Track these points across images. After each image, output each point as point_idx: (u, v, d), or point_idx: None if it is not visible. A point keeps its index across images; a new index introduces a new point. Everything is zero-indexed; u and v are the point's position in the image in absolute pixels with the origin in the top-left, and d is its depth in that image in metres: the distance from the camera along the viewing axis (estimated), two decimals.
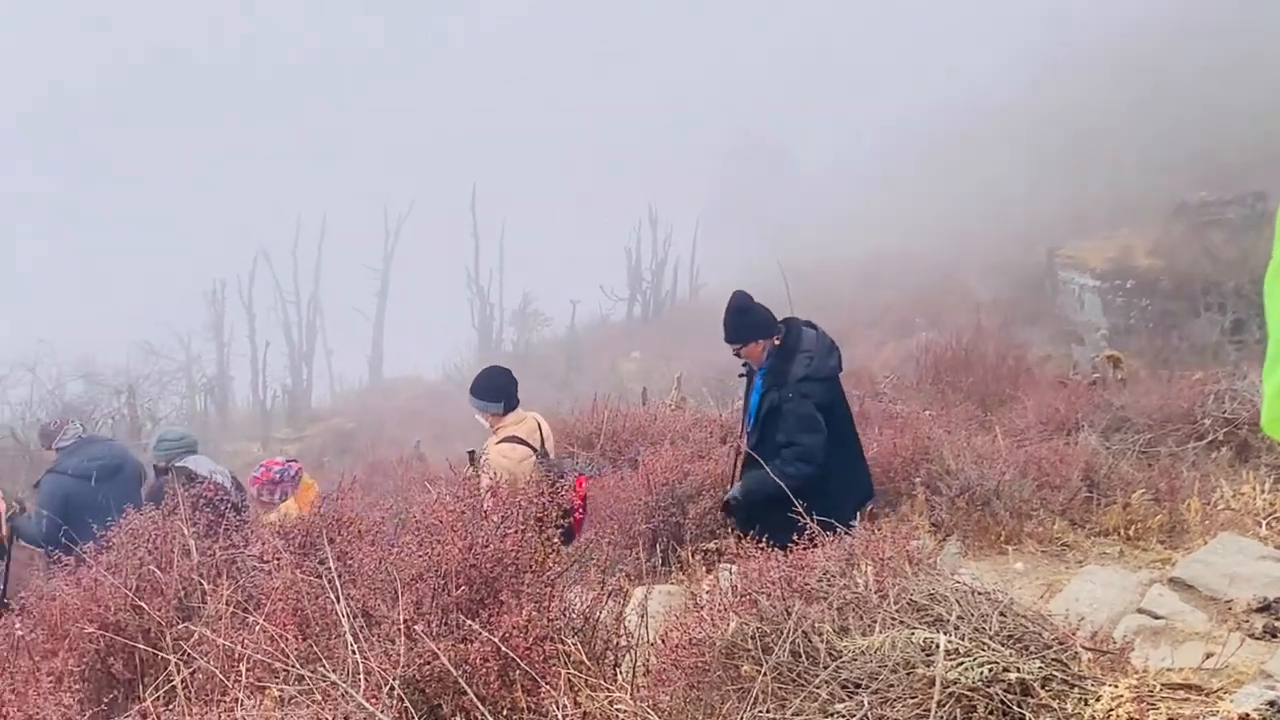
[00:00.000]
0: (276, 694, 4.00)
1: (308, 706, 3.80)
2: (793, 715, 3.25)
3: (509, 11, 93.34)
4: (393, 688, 3.74)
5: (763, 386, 6.39)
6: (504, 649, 3.77)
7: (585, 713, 3.59)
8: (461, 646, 3.94)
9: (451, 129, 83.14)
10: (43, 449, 8.25)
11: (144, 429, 21.71)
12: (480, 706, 3.67)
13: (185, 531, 5.01)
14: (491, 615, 4.04)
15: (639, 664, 4.02)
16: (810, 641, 3.53)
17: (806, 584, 3.71)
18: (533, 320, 49.85)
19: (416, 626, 3.94)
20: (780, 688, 3.37)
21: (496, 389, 6.85)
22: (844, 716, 3.17)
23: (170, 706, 4.22)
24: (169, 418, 24.77)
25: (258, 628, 4.24)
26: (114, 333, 36.19)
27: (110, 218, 77.16)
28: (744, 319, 6.40)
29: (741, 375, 6.70)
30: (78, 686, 4.52)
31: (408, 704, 3.73)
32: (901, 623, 3.51)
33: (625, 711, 3.46)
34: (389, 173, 69.35)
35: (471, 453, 6.87)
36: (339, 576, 4.30)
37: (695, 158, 68.58)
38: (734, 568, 4.14)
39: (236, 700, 3.95)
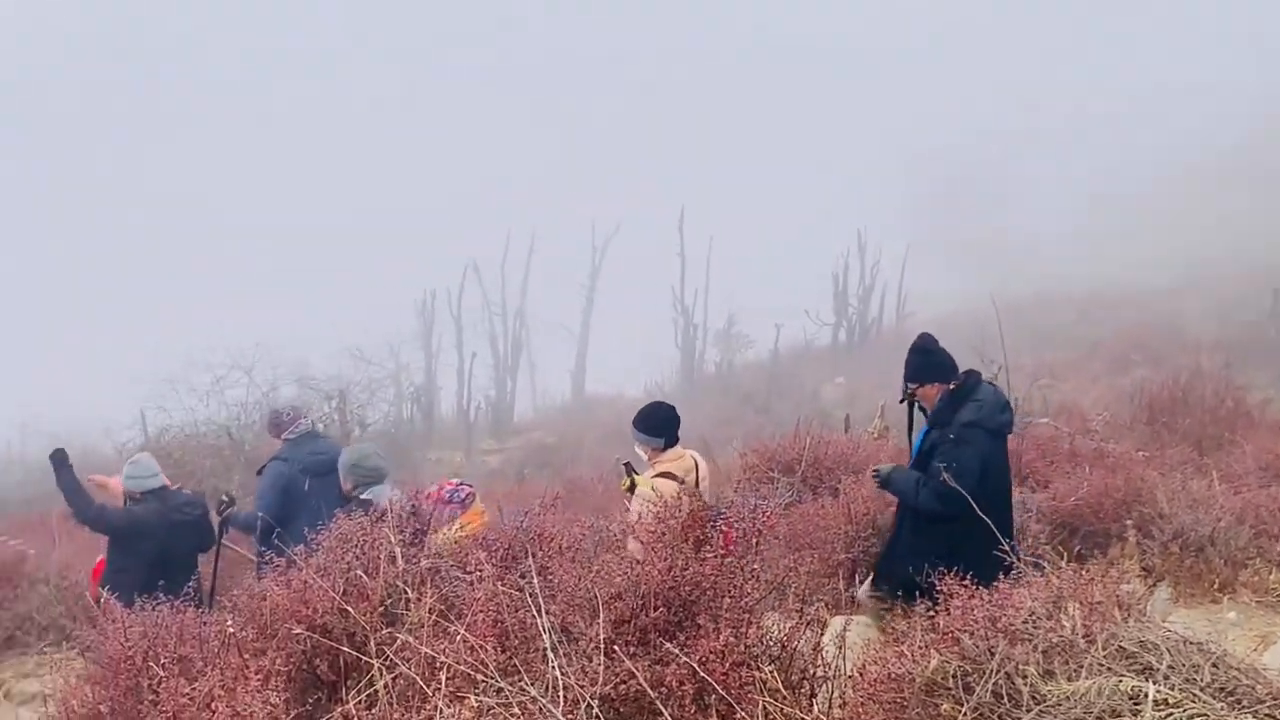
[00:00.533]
0: (475, 704, 4.56)
1: (505, 719, 4.44)
2: None
3: (728, 30, 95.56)
4: (590, 706, 4.25)
5: (928, 427, 7.05)
6: (701, 673, 4.31)
7: None
8: (658, 668, 4.44)
9: (662, 148, 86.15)
10: (271, 436, 9.33)
11: (352, 434, 23.37)
12: None
13: (392, 538, 5.77)
14: (689, 638, 4.54)
15: (835, 696, 4.39)
16: (1013, 683, 3.86)
17: (1011, 624, 4.06)
18: (736, 342, 50.88)
19: (615, 645, 4.52)
20: None
21: (660, 424, 7.65)
22: None
23: (372, 710, 4.88)
24: (377, 424, 26.45)
25: (459, 637, 4.74)
26: (327, 339, 39.14)
27: (328, 228, 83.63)
28: (926, 360, 7.08)
29: (901, 402, 7.24)
30: (284, 685, 5.14)
31: None
32: (1109, 669, 3.80)
33: None
34: (599, 191, 72.39)
35: (627, 464, 7.51)
36: (540, 591, 4.95)
37: (908, 185, 69.43)
38: (932, 603, 4.55)
39: (436, 708, 4.54)
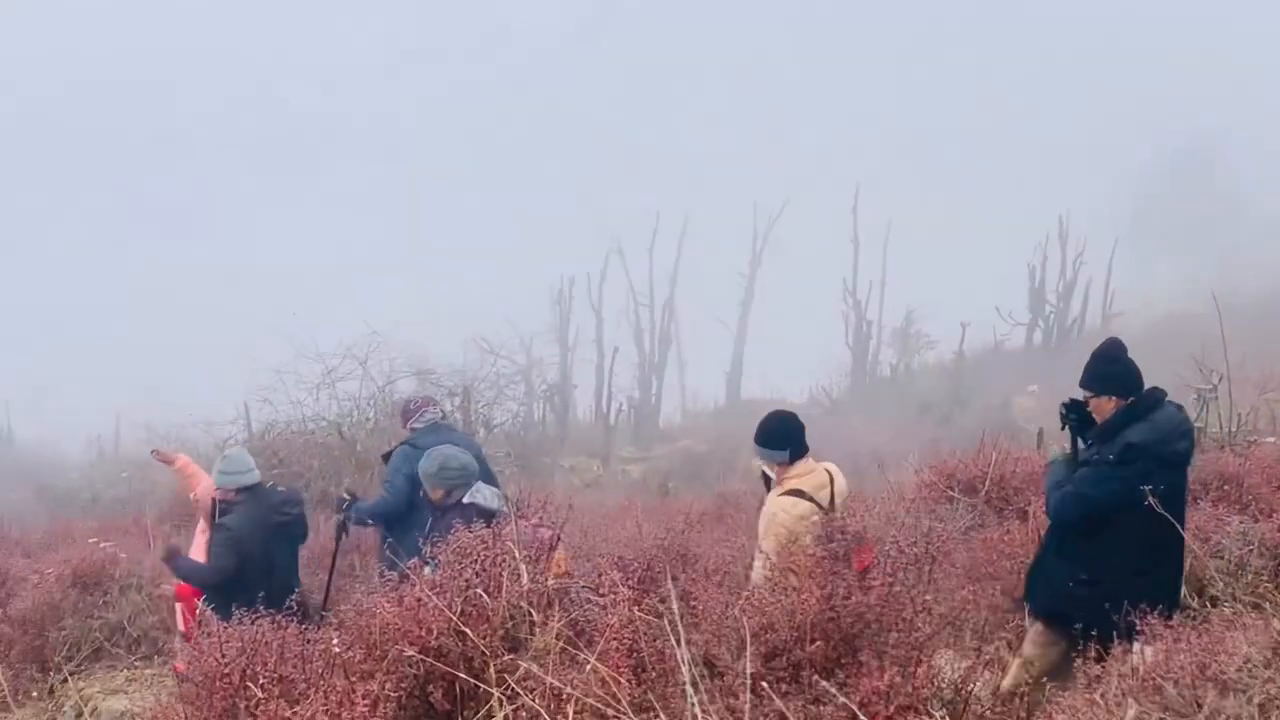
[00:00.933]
0: None
1: None
2: None
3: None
4: None
5: (1090, 440, 6.80)
6: (861, 716, 4.23)
7: None
8: (813, 708, 4.34)
9: (834, 121, 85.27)
10: (401, 426, 9.68)
11: (477, 435, 23.62)
12: None
13: (517, 554, 5.80)
14: (849, 676, 4.44)
15: None
16: None
17: (1223, 672, 3.91)
18: (915, 342, 49.75)
19: (764, 682, 4.46)
20: None
21: (782, 435, 7.51)
22: None
23: None
24: (504, 424, 26.71)
25: (589, 667, 4.64)
26: (450, 328, 39.52)
27: (453, 205, 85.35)
28: (1109, 368, 6.86)
29: (1064, 418, 6.97)
30: (393, 713, 5.06)
31: None
32: None
33: None
34: (761, 168, 71.87)
35: (766, 476, 7.42)
36: (681, 618, 4.90)
37: (1115, 166, 66.98)
38: (1146, 646, 4.39)
39: None
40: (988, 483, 10.88)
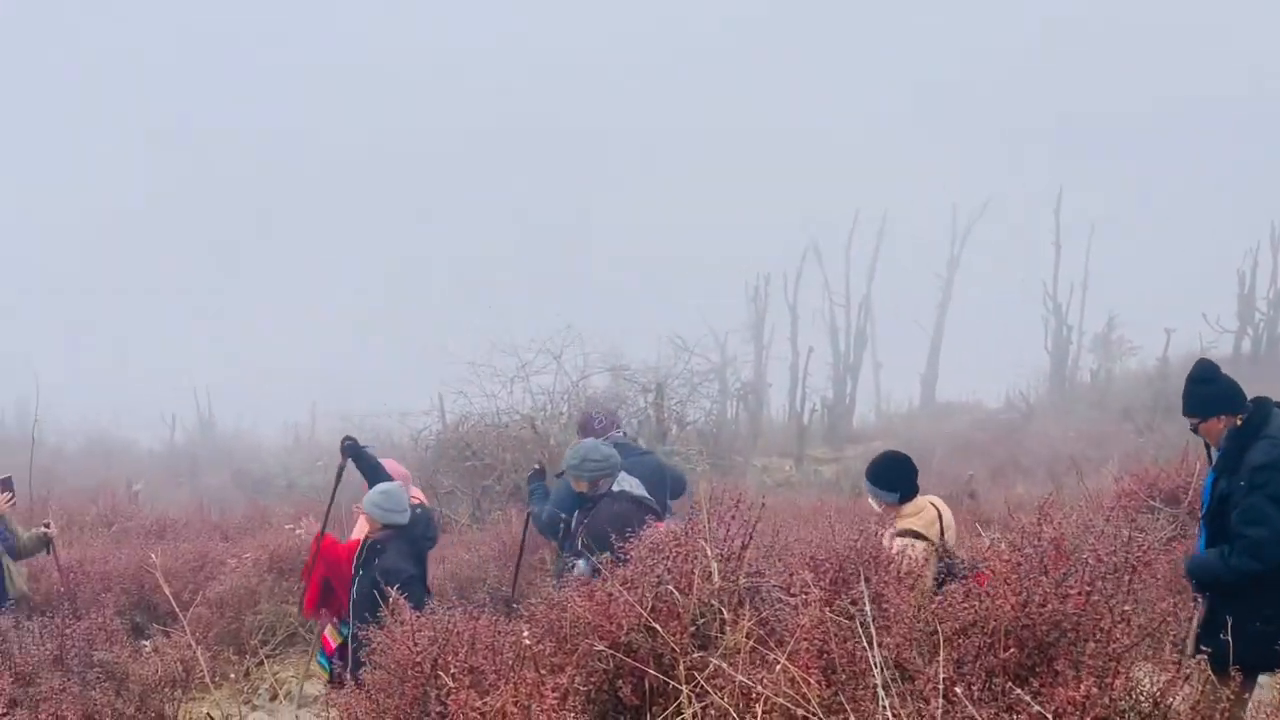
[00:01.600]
0: None
1: None
2: None
3: None
4: None
5: (1214, 473, 6.66)
6: None
7: None
8: (1005, 716, 4.33)
9: (1038, 120, 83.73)
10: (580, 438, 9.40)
11: (669, 432, 23.75)
12: None
13: (708, 552, 5.84)
14: (1043, 685, 4.38)
15: None
16: None
17: None
18: (1117, 348, 48.48)
19: (956, 688, 4.43)
20: None
21: (896, 476, 7.68)
22: None
23: None
24: (697, 422, 26.77)
25: (778, 667, 4.67)
26: (646, 324, 39.76)
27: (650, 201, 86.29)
28: (1205, 389, 6.71)
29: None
30: (582, 706, 5.04)
31: None
32: None
33: None
34: (961, 168, 71.04)
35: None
36: (873, 620, 4.89)
37: None
38: None
39: None
40: (1190, 493, 10.58)
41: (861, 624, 4.63)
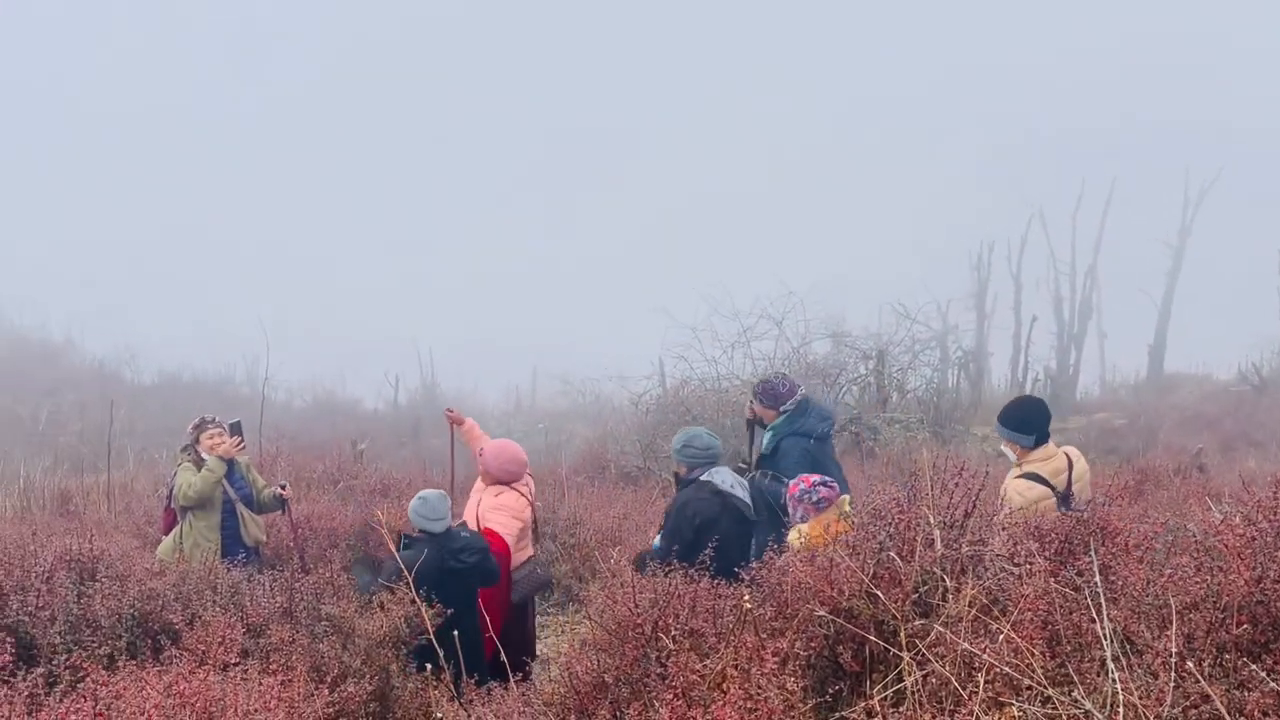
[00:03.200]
0: (1017, 713, 4.55)
1: None
2: None
3: None
4: None
5: None
6: None
7: None
8: (1238, 693, 4.24)
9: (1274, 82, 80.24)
10: (773, 411, 9.55)
11: (890, 399, 23.62)
12: None
13: (931, 520, 5.81)
14: (1276, 662, 4.31)
15: None
16: None
17: None
18: None
19: (1188, 663, 4.34)
20: None
21: (1026, 420, 7.82)
22: None
23: (899, 709, 4.89)
24: (917, 390, 26.57)
25: (1001, 636, 4.65)
26: (870, 290, 39.56)
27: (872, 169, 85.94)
28: None
29: None
30: (802, 672, 5.05)
31: None
32: None
33: None
34: (1193, 131, 68.64)
35: None
36: (1101, 592, 4.82)
37: None
38: None
39: (972, 714, 4.56)
40: None
41: (1090, 595, 4.58)
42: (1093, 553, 4.96)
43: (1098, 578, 4.62)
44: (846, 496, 7.83)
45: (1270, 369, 39.05)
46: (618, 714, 5.41)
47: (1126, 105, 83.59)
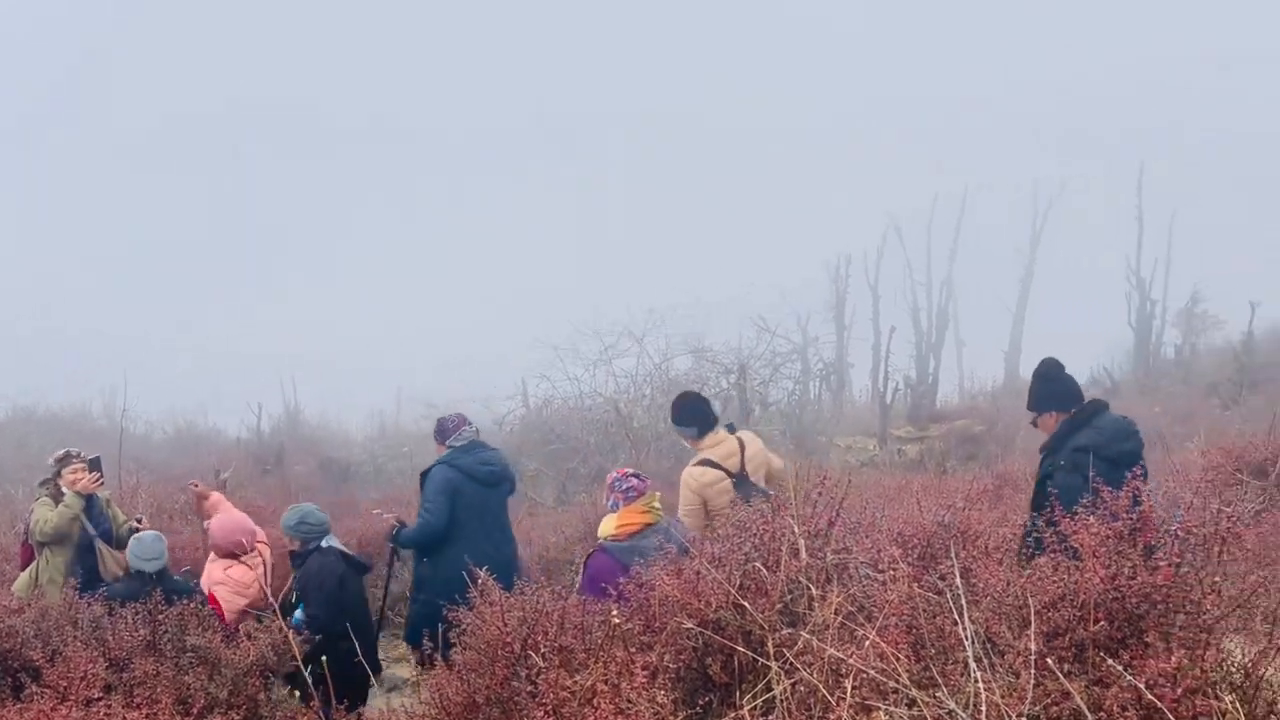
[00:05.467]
0: (884, 716, 4.63)
1: None
2: None
3: None
4: None
5: (1042, 454, 7.69)
6: (1150, 696, 4.19)
7: None
8: (1097, 689, 4.35)
9: (1111, 95, 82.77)
10: (438, 445, 9.74)
11: (752, 414, 23.80)
12: None
13: (795, 529, 5.89)
14: (1134, 658, 4.42)
15: None
16: None
17: None
18: (1200, 322, 47.83)
19: (1048, 660, 4.44)
20: None
21: (687, 413, 8.70)
22: None
23: (768, 718, 5.06)
24: (779, 403, 26.82)
25: (867, 642, 4.70)
26: (728, 307, 39.88)
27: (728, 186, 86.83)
28: (1045, 387, 7.89)
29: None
30: (672, 684, 5.06)
31: None
32: None
33: None
34: (1039, 146, 70.75)
35: None
36: (962, 595, 4.93)
37: None
38: None
39: (840, 719, 4.70)
40: (1279, 466, 10.58)
41: (952, 598, 4.68)
42: (954, 556, 5.06)
43: (959, 581, 4.71)
44: (657, 493, 8.12)
45: (1122, 373, 40.16)
46: None
47: (976, 116, 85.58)
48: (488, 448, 9.72)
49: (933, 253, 53.80)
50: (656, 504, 7.87)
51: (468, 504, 9.17)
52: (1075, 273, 58.17)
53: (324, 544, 8.74)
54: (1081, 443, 7.18)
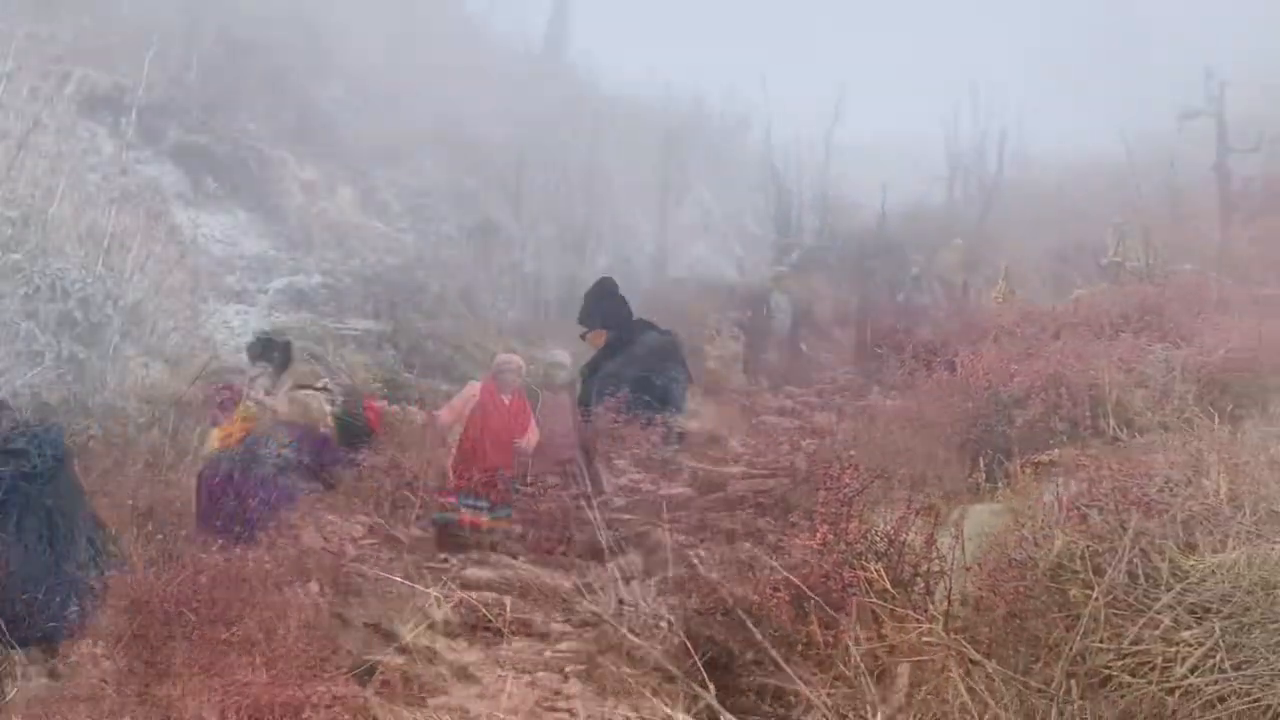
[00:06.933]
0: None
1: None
2: (1130, 645, 3.49)
3: None
4: (670, 624, 4.26)
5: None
6: (793, 580, 4.22)
7: (891, 646, 3.96)
8: (749, 576, 4.42)
9: None
10: None
11: None
12: (771, 649, 4.11)
13: None
14: (781, 538, 4.51)
15: (953, 592, 4.21)
16: (1150, 560, 3.64)
17: (1145, 494, 3.91)
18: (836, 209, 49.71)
19: (694, 552, 4.45)
20: (1115, 614, 3.47)
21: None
22: (1191, 645, 3.39)
23: None
24: None
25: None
26: None
27: None
28: (595, 306, 8.31)
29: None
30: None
31: (687, 644, 4.23)
32: (1259, 536, 3.69)
33: (936, 644, 3.82)
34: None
35: None
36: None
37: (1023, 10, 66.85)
38: (1068, 481, 4.40)
39: None
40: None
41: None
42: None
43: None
44: (250, 403, 8.07)
45: (767, 262, 40.94)
46: None
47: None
48: None
49: None
50: (253, 409, 7.94)
51: None
52: (711, 180, 59.15)
53: None
54: (613, 369, 7.58)
